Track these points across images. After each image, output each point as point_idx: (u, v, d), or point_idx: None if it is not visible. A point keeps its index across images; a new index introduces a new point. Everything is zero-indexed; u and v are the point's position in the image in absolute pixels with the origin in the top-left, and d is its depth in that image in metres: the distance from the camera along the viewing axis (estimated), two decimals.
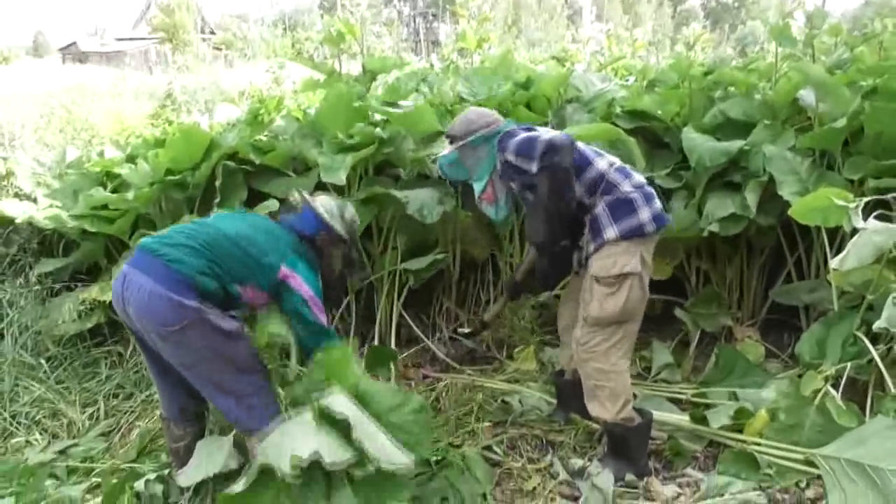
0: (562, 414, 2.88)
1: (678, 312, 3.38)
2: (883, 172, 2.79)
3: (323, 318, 2.35)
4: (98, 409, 2.95)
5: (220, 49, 36.74)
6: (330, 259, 2.52)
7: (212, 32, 40.21)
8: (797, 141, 3.03)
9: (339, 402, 2.06)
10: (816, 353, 2.76)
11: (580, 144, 2.45)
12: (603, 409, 2.43)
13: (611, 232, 2.34)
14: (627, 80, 4.37)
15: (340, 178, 2.85)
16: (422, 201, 2.93)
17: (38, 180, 3.41)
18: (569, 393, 2.80)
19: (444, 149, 2.64)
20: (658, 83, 3.79)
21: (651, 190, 2.42)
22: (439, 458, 2.50)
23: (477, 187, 2.55)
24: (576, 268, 2.55)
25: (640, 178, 2.45)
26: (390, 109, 2.97)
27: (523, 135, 2.40)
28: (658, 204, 2.40)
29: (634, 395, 2.82)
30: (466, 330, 3.40)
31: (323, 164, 2.89)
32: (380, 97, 3.21)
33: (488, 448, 2.68)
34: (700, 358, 3.36)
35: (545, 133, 2.39)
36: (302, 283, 2.28)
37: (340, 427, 1.99)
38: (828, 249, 2.94)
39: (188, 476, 2.20)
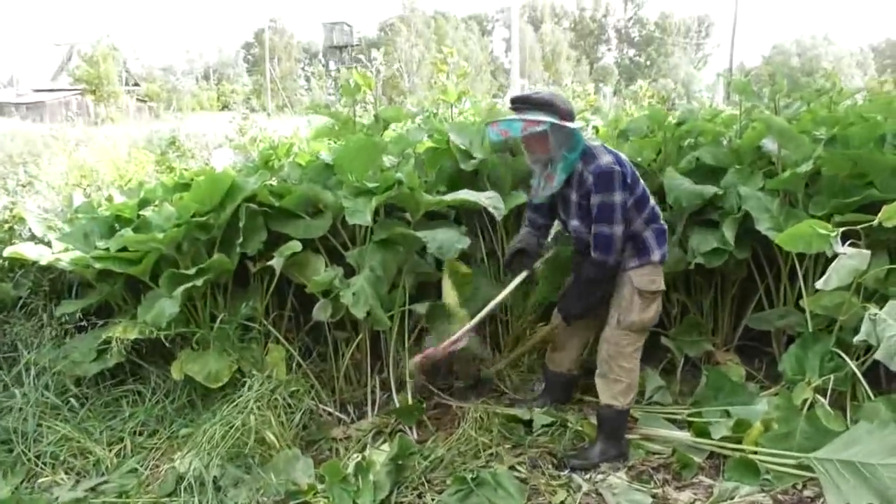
0: (543, 400, 3.34)
1: (665, 340, 3.69)
2: (844, 209, 3.19)
3: None
4: (124, 446, 2.97)
5: (144, 101, 36.31)
6: None
7: (136, 84, 39.70)
8: (765, 183, 3.42)
9: None
10: (797, 369, 3.09)
11: (639, 176, 2.90)
12: (616, 399, 2.92)
13: (657, 254, 2.87)
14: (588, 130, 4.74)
15: (367, 220, 3.03)
16: (440, 241, 3.16)
17: (49, 225, 3.46)
18: (556, 386, 3.36)
19: (524, 114, 2.71)
20: (629, 132, 4.16)
21: None
22: (474, 476, 2.67)
23: (561, 175, 2.81)
24: None
25: None
26: None
27: (607, 185, 2.73)
28: None
29: (635, 419, 3.21)
30: (461, 384, 3.61)
31: (348, 208, 3.07)
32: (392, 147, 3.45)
33: (512, 468, 2.86)
34: (684, 382, 3.66)
35: (617, 198, 2.73)
36: None
37: None
38: (800, 278, 3.30)
39: None
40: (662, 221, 2.95)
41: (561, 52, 56.80)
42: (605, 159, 2.74)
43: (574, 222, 2.88)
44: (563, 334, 3.27)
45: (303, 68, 57.99)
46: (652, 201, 2.93)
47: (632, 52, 65.67)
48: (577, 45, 62.05)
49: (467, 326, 3.08)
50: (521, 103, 2.76)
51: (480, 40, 55.32)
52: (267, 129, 7.07)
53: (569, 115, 2.72)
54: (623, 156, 2.88)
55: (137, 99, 35.59)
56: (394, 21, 49.13)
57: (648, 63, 60.90)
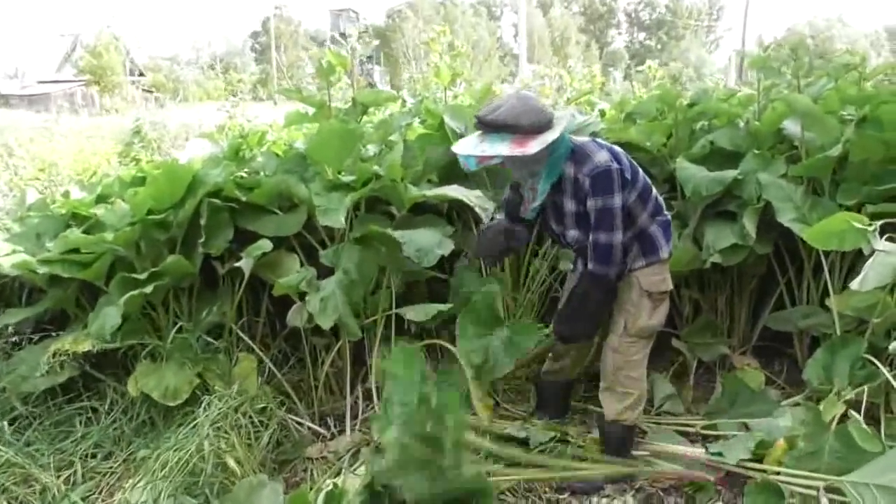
0: (539, 416, 3.01)
1: (676, 343, 3.36)
2: (876, 198, 2.85)
3: None
4: (74, 471, 2.67)
5: (150, 91, 36.04)
6: None
7: (141, 74, 39.41)
8: (788, 169, 3.08)
9: None
10: (824, 377, 2.76)
11: (638, 167, 2.55)
12: (624, 413, 2.63)
13: (665, 251, 2.55)
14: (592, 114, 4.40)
15: (340, 221, 2.71)
16: (419, 244, 2.83)
17: None
18: (551, 398, 3.04)
19: (483, 139, 2.35)
20: (636, 115, 3.82)
21: None
22: None
23: (544, 186, 2.47)
24: None
25: None
26: None
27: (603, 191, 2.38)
28: None
29: (643, 433, 2.92)
30: None
31: (319, 206, 2.76)
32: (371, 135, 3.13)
33: (508, 492, 2.56)
34: (697, 388, 3.34)
35: (617, 202, 2.38)
36: None
37: None
38: (826, 274, 2.96)
39: None
40: (667, 212, 2.63)
41: (570, 36, 56.05)
42: (600, 158, 2.37)
43: (573, 232, 2.52)
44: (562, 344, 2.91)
45: (310, 56, 57.56)
46: (655, 191, 2.58)
47: (642, 35, 64.87)
48: (586, 30, 61.26)
49: None
50: (481, 124, 2.38)
51: (489, 25, 54.63)
52: (258, 116, 6.75)
53: (536, 128, 2.30)
54: (617, 148, 2.52)
55: (143, 89, 35.30)
56: (401, 7, 48.57)
57: (659, 47, 60.13)
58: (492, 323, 2.83)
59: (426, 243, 2.83)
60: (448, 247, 2.89)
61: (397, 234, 2.82)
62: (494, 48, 48.45)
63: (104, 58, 30.38)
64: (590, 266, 2.44)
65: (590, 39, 60.26)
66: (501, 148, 2.28)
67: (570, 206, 2.49)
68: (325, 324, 2.71)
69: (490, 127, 2.33)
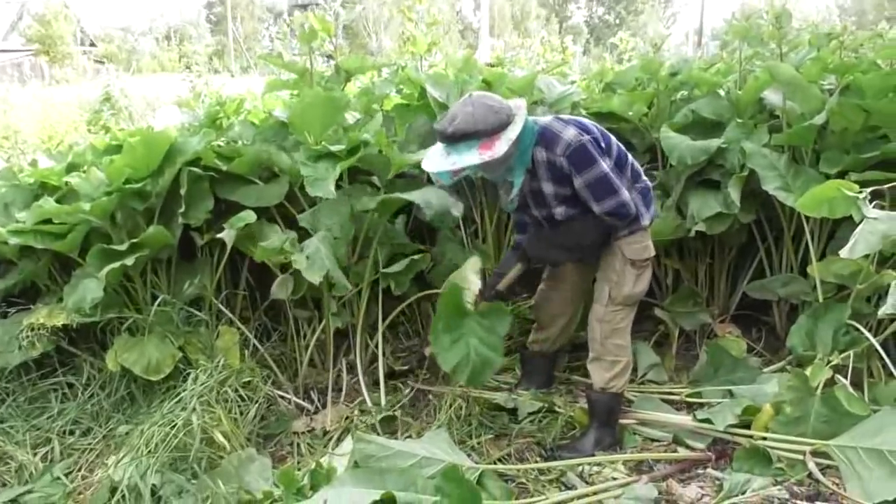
0: (525, 386, 3.00)
1: (659, 312, 3.38)
2: (859, 166, 2.88)
3: None
4: (52, 448, 2.59)
5: (101, 62, 34.84)
6: None
7: (92, 45, 38.10)
8: (771, 138, 3.09)
9: None
10: (808, 344, 2.81)
11: (610, 135, 2.56)
12: (613, 381, 2.65)
13: (646, 218, 2.58)
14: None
15: (330, 191, 2.62)
16: (437, 207, 2.85)
17: None
18: (535, 368, 3.05)
19: (451, 151, 2.34)
20: (616, 85, 3.80)
21: None
22: None
23: (518, 177, 2.49)
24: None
25: None
26: None
27: (593, 156, 2.37)
28: None
29: (629, 402, 2.93)
30: (404, 367, 3.23)
31: (308, 176, 2.66)
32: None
33: (499, 461, 2.56)
34: (678, 357, 3.37)
35: (604, 167, 2.38)
36: None
37: None
38: (809, 242, 3.00)
39: None
40: (645, 178, 2.65)
41: (530, 10, 55.80)
42: (568, 135, 2.36)
43: (560, 209, 2.49)
44: (546, 313, 2.96)
45: (266, 28, 56.31)
46: (631, 158, 2.60)
47: (601, 10, 64.84)
48: (545, 3, 61.00)
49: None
50: (443, 138, 2.34)
51: None
52: (224, 87, 6.55)
53: (498, 128, 2.28)
54: (584, 120, 2.53)
55: (95, 60, 34.13)
56: None
57: (618, 22, 60.18)
58: (461, 318, 2.65)
59: (440, 205, 2.86)
60: (460, 208, 2.94)
61: (411, 196, 2.79)
62: (454, 22, 48.05)
63: (53, 27, 29.26)
64: (603, 215, 2.42)
65: (549, 14, 60.07)
66: (470, 157, 2.28)
67: (549, 188, 2.48)
68: (315, 278, 2.60)
69: (453, 139, 2.31)
